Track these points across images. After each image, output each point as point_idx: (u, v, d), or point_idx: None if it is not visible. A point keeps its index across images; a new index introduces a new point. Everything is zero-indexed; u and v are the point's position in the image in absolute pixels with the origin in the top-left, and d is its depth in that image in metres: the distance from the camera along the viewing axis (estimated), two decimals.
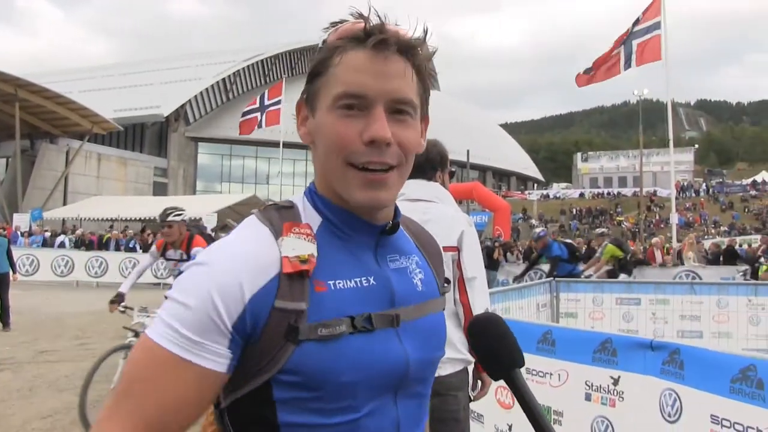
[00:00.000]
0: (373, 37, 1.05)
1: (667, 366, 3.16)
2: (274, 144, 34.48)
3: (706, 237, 37.66)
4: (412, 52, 1.09)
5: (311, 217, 1.14)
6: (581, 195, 71.43)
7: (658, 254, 18.35)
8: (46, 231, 27.33)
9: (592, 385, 3.60)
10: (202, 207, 28.72)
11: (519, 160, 79.44)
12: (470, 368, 3.08)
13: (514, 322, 4.36)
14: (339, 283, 1.07)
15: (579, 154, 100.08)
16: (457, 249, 3.01)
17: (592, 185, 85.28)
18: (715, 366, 2.92)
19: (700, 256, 19.13)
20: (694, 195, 66.70)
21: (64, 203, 37.22)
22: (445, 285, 1.34)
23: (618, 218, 58.55)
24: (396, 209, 1.23)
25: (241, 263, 1.02)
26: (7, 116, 34.36)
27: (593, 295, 9.44)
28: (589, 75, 18.91)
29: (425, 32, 1.12)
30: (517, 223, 52.76)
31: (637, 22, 17.92)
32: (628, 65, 17.90)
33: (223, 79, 54.83)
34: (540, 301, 8.74)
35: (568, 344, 3.76)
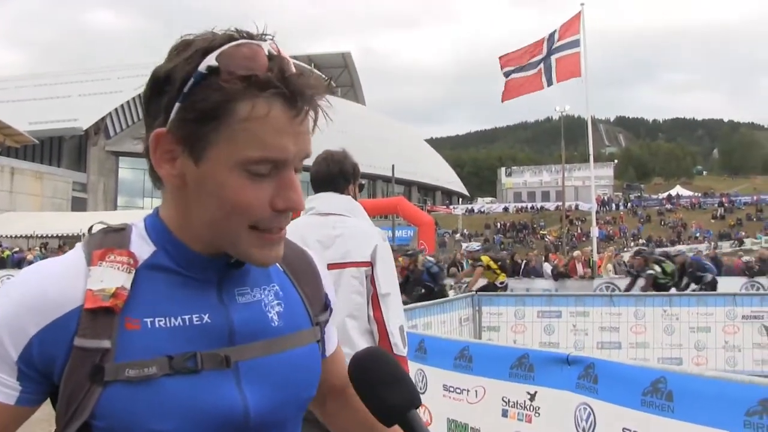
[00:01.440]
0: (303, 99, 0.93)
1: (583, 380, 3.16)
2: None
3: (625, 249, 38.92)
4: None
5: (142, 244, 1.03)
6: (505, 209, 72.86)
7: (579, 267, 18.79)
8: None
9: (508, 401, 3.57)
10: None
11: (444, 175, 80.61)
12: None
13: (431, 338, 4.31)
14: (159, 320, 0.97)
15: (503, 169, 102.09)
16: (371, 264, 2.94)
17: (516, 199, 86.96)
18: (627, 379, 2.94)
19: (619, 269, 19.70)
20: (614, 209, 69.05)
21: None
22: (327, 311, 1.23)
23: (541, 232, 59.98)
24: None
25: (30, 296, 0.94)
26: None
27: (515, 308, 9.49)
28: (509, 88, 19.13)
29: (328, 81, 1.00)
30: (444, 237, 53.34)
31: (552, 36, 18.33)
32: (549, 82, 18.29)
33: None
34: (462, 316, 8.74)
35: (485, 360, 3.73)
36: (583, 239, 50.35)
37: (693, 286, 13.35)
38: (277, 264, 1.15)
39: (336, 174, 3.12)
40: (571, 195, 74.85)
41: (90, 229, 1.07)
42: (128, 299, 0.95)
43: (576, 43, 18.01)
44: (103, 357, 0.91)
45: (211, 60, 0.91)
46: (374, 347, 1.11)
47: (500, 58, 19.11)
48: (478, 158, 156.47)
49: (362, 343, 2.84)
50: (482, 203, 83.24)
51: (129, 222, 1.07)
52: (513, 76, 18.90)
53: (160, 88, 0.95)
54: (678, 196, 72.77)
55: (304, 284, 1.19)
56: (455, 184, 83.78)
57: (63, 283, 0.95)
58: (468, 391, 3.79)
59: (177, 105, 0.92)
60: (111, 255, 0.98)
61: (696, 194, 75.10)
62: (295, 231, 2.90)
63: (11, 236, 30.63)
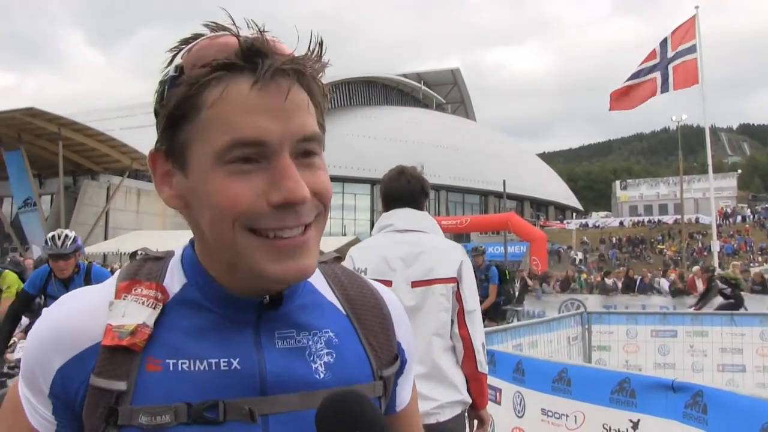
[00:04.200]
0: (264, 63, 0.81)
1: (690, 410, 2.90)
2: None
3: (752, 264, 36.54)
4: (309, 74, 0.86)
5: (176, 276, 0.95)
6: (621, 223, 70.21)
7: (699, 283, 17.70)
8: None
9: (609, 429, 3.33)
10: None
11: (557, 190, 78.67)
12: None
13: (529, 359, 4.13)
14: (183, 363, 0.88)
15: (618, 182, 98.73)
16: (457, 280, 2.88)
17: (632, 213, 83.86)
18: (742, 411, 2.65)
19: (745, 285, 18.44)
20: (738, 221, 65.02)
21: (105, 238, 37.84)
22: (396, 363, 1.06)
23: (659, 246, 57.31)
24: None
25: (53, 329, 0.90)
26: (51, 154, 35.32)
27: (627, 327, 9.02)
28: (621, 99, 18.43)
29: (319, 45, 0.86)
30: (559, 252, 52.02)
31: (665, 43, 17.49)
32: (665, 89, 17.46)
33: None
34: (570, 334, 8.38)
35: (585, 384, 3.52)
36: (705, 254, 47.77)
37: None
38: (340, 307, 1.04)
39: (418, 191, 3.06)
40: (691, 208, 71.24)
41: (133, 255, 1.01)
42: (153, 337, 0.88)
43: (692, 49, 17.10)
44: (119, 399, 0.85)
45: (177, 60, 0.85)
46: (349, 390, 0.90)
47: (624, 87, 18.34)
48: (591, 171, 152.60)
49: (445, 361, 2.82)
50: (597, 217, 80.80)
51: (173, 249, 1.01)
52: (624, 84, 18.14)
53: (156, 111, 0.89)
54: None
55: (369, 331, 1.04)
56: (569, 198, 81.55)
57: (86, 316, 0.90)
58: (567, 416, 3.59)
59: (161, 119, 0.87)
60: (138, 288, 0.92)
61: None
62: (376, 249, 3.00)
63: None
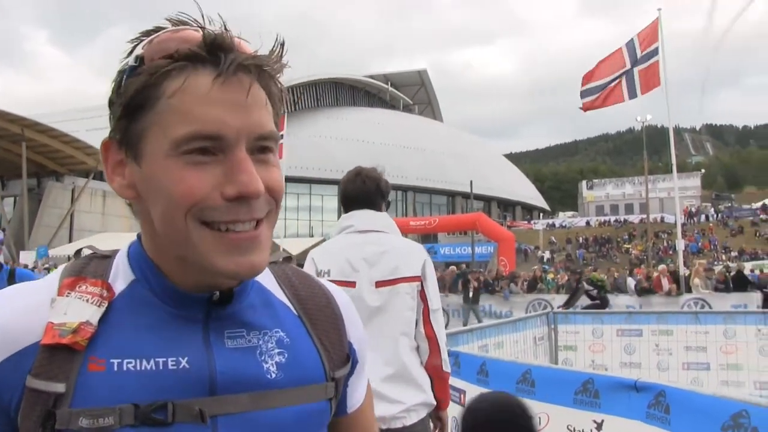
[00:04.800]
0: (227, 57, 0.82)
1: (653, 410, 2.88)
2: None
3: (716, 263, 37.15)
4: (268, 73, 0.87)
5: (123, 274, 0.93)
6: (587, 223, 71.00)
7: (664, 282, 17.95)
8: (46, 267, 27.20)
9: (574, 430, 3.32)
10: None
11: (524, 190, 79.40)
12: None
13: (493, 360, 4.10)
14: (129, 362, 0.84)
15: (584, 182, 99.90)
16: (421, 279, 2.89)
17: (598, 213, 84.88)
18: (703, 411, 2.64)
19: (709, 284, 18.73)
20: (703, 220, 66.11)
21: (70, 240, 37.36)
22: (348, 364, 1.05)
23: (625, 246, 58.08)
24: None
25: None
26: (14, 156, 34.99)
27: (593, 326, 9.07)
28: (592, 100, 18.60)
29: (281, 45, 0.88)
30: (526, 251, 52.42)
31: (631, 44, 17.69)
32: (633, 94, 17.66)
33: None
34: (537, 334, 8.40)
35: (548, 385, 3.49)
36: (670, 252, 48.51)
37: None
38: (291, 307, 1.03)
39: (373, 191, 3.04)
40: (656, 207, 72.38)
41: (78, 252, 0.97)
42: (96, 336, 0.84)
43: (656, 52, 17.33)
44: (57, 401, 0.80)
45: (138, 50, 0.85)
46: (513, 400, 0.84)
47: (584, 76, 18.52)
48: (558, 172, 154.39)
49: (411, 360, 2.82)
50: (564, 217, 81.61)
51: (120, 248, 0.98)
52: (592, 84, 18.31)
53: (111, 101, 0.88)
54: None
55: (321, 332, 1.03)
56: (536, 198, 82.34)
57: (25, 313, 0.85)
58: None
59: (117, 108, 0.86)
60: (82, 285, 0.89)
61: None
62: (338, 251, 2.97)
63: None
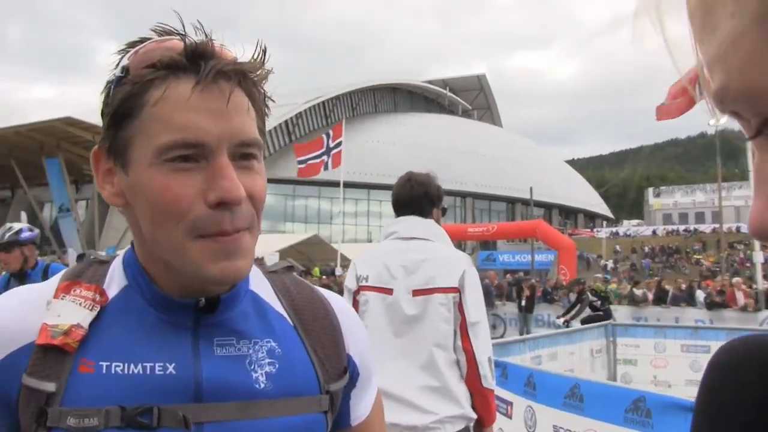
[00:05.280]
0: (207, 65, 0.83)
1: None
2: (335, 184, 34.65)
3: None
4: (251, 79, 0.88)
5: (117, 279, 0.96)
6: (654, 232, 69.13)
7: (739, 296, 17.04)
8: None
9: None
10: (265, 246, 28.93)
11: (586, 197, 77.81)
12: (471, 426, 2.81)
13: (540, 373, 3.90)
14: (117, 366, 0.87)
15: (651, 189, 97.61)
16: (459, 290, 2.77)
17: (665, 221, 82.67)
18: None
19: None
20: None
21: None
22: (345, 377, 1.04)
23: (695, 257, 56.13)
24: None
25: None
26: (86, 161, 36.39)
27: (655, 340, 8.66)
28: (668, 107, 17.89)
29: (263, 51, 0.88)
30: (588, 260, 51.31)
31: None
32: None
33: (286, 121, 56.06)
34: (594, 347, 8.08)
35: (597, 401, 3.29)
36: (747, 265, 46.67)
37: None
38: (287, 317, 1.03)
39: (420, 197, 2.98)
40: (731, 216, 69.79)
41: (81, 257, 0.92)
42: (88, 339, 0.88)
43: None
44: (49, 399, 0.84)
45: (124, 61, 0.88)
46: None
47: (669, 92, 17.76)
48: (623, 179, 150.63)
49: (448, 374, 2.72)
50: (628, 226, 79.76)
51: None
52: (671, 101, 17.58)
53: (102, 111, 0.90)
54: None
55: (316, 343, 1.02)
56: (598, 206, 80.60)
57: (23, 314, 0.89)
58: None
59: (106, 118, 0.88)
60: (77, 289, 0.92)
61: None
62: (378, 257, 2.94)
63: None
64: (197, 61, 0.84)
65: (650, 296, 19.37)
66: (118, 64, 0.89)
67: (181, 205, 0.83)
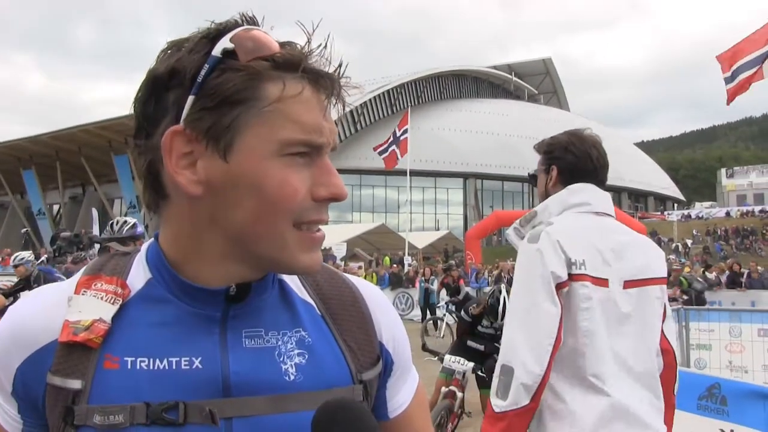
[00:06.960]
0: (326, 76, 0.87)
1: None
2: (402, 173, 34.69)
3: None
4: (340, 86, 0.90)
5: (140, 272, 0.93)
6: (727, 214, 66.73)
7: None
8: None
9: None
10: (333, 236, 29.24)
11: (656, 179, 75.60)
12: None
13: None
14: (142, 361, 0.86)
15: (724, 170, 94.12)
16: (666, 282, 2.34)
17: (739, 203, 79.64)
18: None
19: None
20: None
21: None
22: (378, 365, 1.01)
23: None
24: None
25: (13, 326, 0.89)
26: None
27: (729, 325, 8.46)
28: (735, 86, 17.19)
29: (340, 65, 0.89)
30: (660, 243, 49.92)
31: None
32: None
33: (351, 111, 56.15)
34: None
35: None
36: None
37: None
38: (315, 306, 1.00)
39: (602, 165, 2.39)
40: None
41: (102, 249, 1.04)
42: (112, 333, 0.87)
43: None
44: (76, 397, 0.84)
45: (225, 42, 0.83)
46: (346, 401, 0.80)
47: (721, 58, 17.15)
48: (694, 160, 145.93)
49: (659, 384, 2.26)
50: (700, 208, 77.23)
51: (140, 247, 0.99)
52: (741, 75, 16.92)
53: (164, 85, 0.85)
54: None
55: (346, 332, 0.99)
56: (669, 188, 78.21)
57: (45, 312, 0.89)
58: None
59: (191, 98, 0.83)
60: (98, 283, 0.91)
61: None
62: (585, 236, 2.22)
63: None
64: (311, 67, 0.86)
65: (723, 280, 18.93)
66: (202, 42, 0.85)
67: (297, 198, 0.84)
